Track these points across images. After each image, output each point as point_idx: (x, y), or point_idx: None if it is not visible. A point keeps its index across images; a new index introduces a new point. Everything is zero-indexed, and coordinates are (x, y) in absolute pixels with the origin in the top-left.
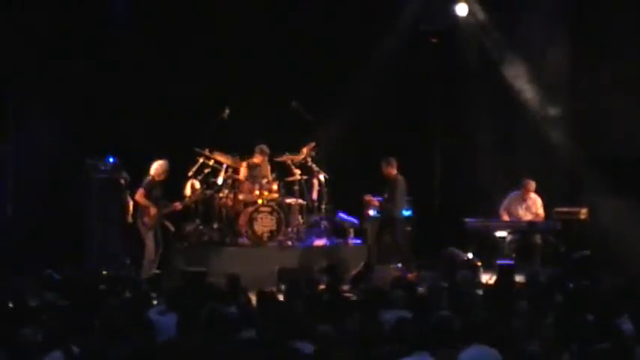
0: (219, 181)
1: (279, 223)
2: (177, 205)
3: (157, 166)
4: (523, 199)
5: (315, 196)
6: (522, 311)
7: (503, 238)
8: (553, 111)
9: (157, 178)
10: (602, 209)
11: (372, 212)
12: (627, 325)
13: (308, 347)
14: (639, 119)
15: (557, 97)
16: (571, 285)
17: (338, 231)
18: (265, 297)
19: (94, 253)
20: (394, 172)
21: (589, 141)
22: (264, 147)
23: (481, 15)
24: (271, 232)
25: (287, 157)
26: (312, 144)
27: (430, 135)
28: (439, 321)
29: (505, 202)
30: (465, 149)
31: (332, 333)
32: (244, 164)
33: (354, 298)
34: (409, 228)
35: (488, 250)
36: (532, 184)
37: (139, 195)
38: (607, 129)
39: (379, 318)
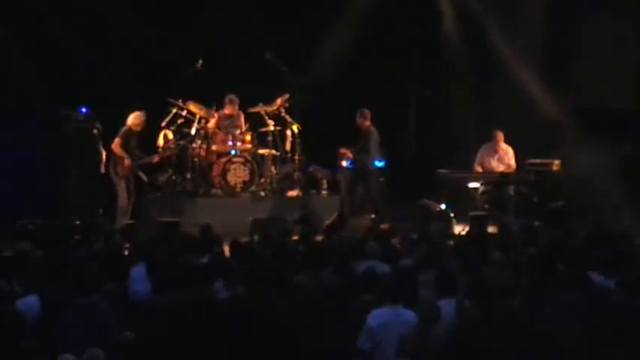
0: (192, 131)
1: (252, 173)
2: (155, 158)
3: (133, 117)
4: (495, 150)
5: (288, 147)
6: (495, 262)
7: (476, 189)
8: (528, 61)
9: (133, 129)
10: (575, 160)
11: (345, 163)
12: (597, 277)
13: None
14: (612, 70)
15: (532, 46)
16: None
17: (311, 182)
18: (239, 247)
19: (68, 203)
20: (367, 123)
21: (562, 93)
22: (233, 97)
23: None
24: (244, 182)
25: (261, 108)
26: (286, 95)
27: (405, 86)
28: (410, 272)
29: (478, 155)
30: (440, 101)
31: (307, 283)
32: (216, 115)
33: (328, 248)
34: (382, 179)
35: (462, 202)
36: (501, 135)
37: (115, 144)
38: (580, 80)
39: (353, 268)
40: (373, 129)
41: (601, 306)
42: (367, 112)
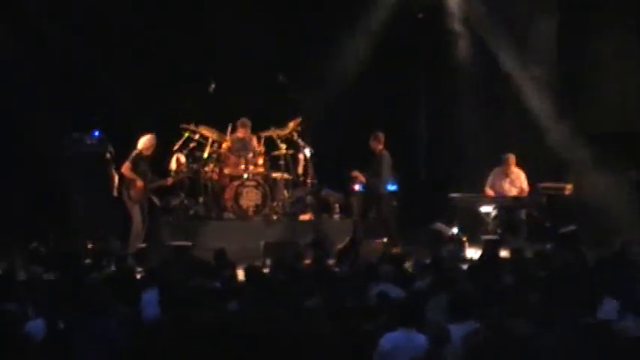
0: (205, 155)
1: (264, 197)
2: (169, 180)
3: (144, 140)
4: (506, 173)
5: (300, 170)
6: (507, 286)
7: (489, 213)
8: (538, 84)
9: (144, 152)
10: (587, 184)
11: (357, 187)
12: (611, 302)
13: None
14: (624, 94)
15: (543, 70)
16: (556, 260)
17: (323, 206)
18: (253, 271)
19: (80, 227)
20: (380, 146)
21: (574, 116)
22: (246, 120)
23: None
24: (257, 206)
25: (273, 132)
26: (299, 119)
27: (416, 110)
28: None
29: (489, 179)
30: (452, 125)
31: (319, 307)
32: (229, 138)
33: (340, 272)
34: (395, 203)
35: (474, 225)
36: (512, 158)
37: (125, 168)
38: (592, 104)
39: (366, 292)
40: (386, 153)
41: (611, 332)
42: (381, 136)
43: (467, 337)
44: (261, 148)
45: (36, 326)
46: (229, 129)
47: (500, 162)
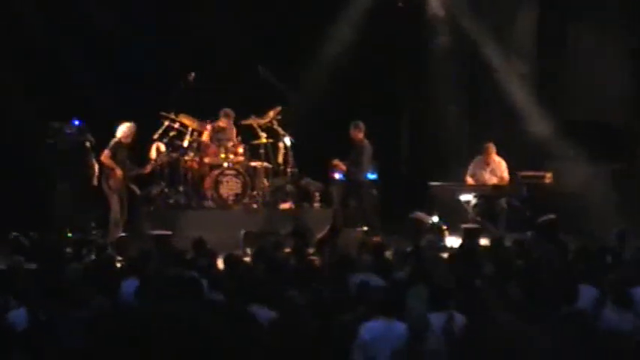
0: (185, 144)
1: (244, 186)
2: (147, 168)
3: (124, 129)
4: (486, 162)
5: (280, 159)
6: (488, 275)
7: (469, 201)
8: (519, 75)
9: (123, 141)
10: (568, 173)
11: (337, 176)
12: (590, 291)
13: (267, 313)
14: (605, 85)
15: (524, 61)
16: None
17: (303, 195)
18: (233, 261)
19: (60, 216)
20: (361, 136)
21: (554, 105)
22: (229, 110)
23: None
24: (237, 195)
25: (253, 121)
26: (279, 107)
27: (396, 99)
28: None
29: (470, 168)
30: (432, 113)
31: (298, 297)
32: (209, 127)
33: (320, 262)
34: (375, 192)
35: (454, 214)
36: (492, 147)
37: (104, 156)
38: (572, 93)
39: (346, 282)
40: (366, 142)
41: (590, 321)
42: (361, 125)
43: (443, 324)
44: (238, 139)
45: (18, 316)
46: (209, 120)
47: (480, 151)
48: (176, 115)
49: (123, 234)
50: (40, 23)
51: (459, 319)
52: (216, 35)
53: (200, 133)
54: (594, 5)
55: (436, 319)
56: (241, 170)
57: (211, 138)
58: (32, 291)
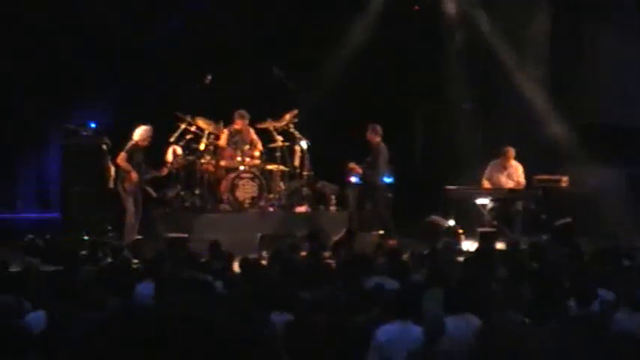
0: (201, 147)
1: (260, 189)
2: (164, 170)
3: (141, 132)
4: (504, 166)
5: (296, 162)
6: (502, 278)
7: (485, 205)
8: (534, 77)
9: (140, 144)
10: (584, 177)
11: (353, 179)
12: (605, 294)
13: (282, 317)
14: (620, 87)
15: (539, 64)
16: (551, 252)
17: (319, 198)
18: (248, 264)
19: (76, 218)
20: (378, 139)
21: (570, 109)
22: (243, 112)
23: None
24: (253, 198)
25: (269, 124)
26: (295, 111)
27: (412, 102)
28: (419, 288)
29: (487, 171)
30: (447, 117)
31: (313, 300)
32: (225, 130)
33: (336, 264)
34: (391, 195)
35: (470, 218)
36: (512, 151)
37: (120, 159)
38: (588, 97)
39: (362, 284)
40: (383, 145)
41: (605, 325)
42: (379, 128)
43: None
44: (257, 140)
45: (36, 318)
46: (222, 122)
47: (496, 154)
48: (192, 118)
49: (138, 236)
50: (58, 27)
51: (474, 321)
52: (233, 37)
53: (217, 137)
54: (610, 5)
55: (452, 321)
56: (257, 173)
57: (228, 141)
58: (46, 292)
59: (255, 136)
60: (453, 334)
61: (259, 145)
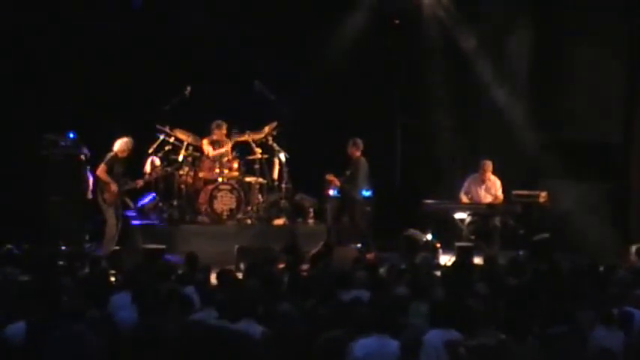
0: (180, 158)
1: (239, 201)
2: (139, 182)
3: (120, 143)
4: (482, 180)
5: (275, 175)
6: (480, 293)
7: (463, 219)
8: (513, 91)
9: (119, 155)
10: (562, 193)
11: (332, 192)
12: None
13: (256, 329)
14: (599, 104)
15: (519, 79)
16: (529, 267)
17: (298, 210)
18: (225, 276)
19: (54, 228)
20: (358, 153)
21: (548, 125)
22: (220, 121)
23: None
24: (231, 210)
25: (248, 136)
26: (274, 123)
27: (391, 116)
28: (397, 302)
29: (465, 185)
30: (426, 131)
31: (291, 312)
32: (206, 141)
33: (313, 278)
34: (369, 209)
35: (448, 232)
36: (489, 165)
37: (100, 170)
38: (566, 113)
39: (340, 298)
40: (363, 159)
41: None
42: (359, 142)
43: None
44: (233, 154)
45: (16, 329)
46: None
47: (475, 169)
48: (171, 129)
49: (116, 247)
50: (37, 37)
51: (457, 337)
52: (213, 50)
53: (195, 148)
54: (590, 20)
55: (436, 335)
56: (236, 185)
57: (212, 152)
58: (25, 303)
59: (230, 149)
60: (433, 348)
61: (234, 161)
